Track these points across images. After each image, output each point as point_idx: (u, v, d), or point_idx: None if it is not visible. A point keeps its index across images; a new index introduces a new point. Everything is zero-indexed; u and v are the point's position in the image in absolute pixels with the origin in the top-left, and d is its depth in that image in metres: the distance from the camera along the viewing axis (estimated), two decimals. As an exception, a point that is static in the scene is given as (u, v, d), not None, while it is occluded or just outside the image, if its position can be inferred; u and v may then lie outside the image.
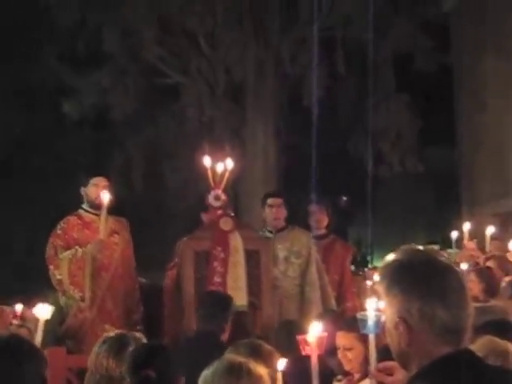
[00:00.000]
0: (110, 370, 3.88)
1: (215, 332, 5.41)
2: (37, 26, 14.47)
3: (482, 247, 8.24)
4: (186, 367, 3.52)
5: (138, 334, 4.19)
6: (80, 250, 6.65)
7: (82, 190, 6.91)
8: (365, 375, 4.22)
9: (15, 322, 6.16)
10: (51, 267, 6.70)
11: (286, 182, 13.91)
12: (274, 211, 7.17)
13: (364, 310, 2.88)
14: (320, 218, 7.74)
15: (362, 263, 20.31)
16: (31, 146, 16.72)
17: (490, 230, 8.11)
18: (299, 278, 7.02)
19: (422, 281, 2.26)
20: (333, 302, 7.14)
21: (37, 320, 4.61)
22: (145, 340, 4.10)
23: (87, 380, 4.01)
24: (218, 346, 4.82)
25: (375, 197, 17.47)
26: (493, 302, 5.75)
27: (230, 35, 13.73)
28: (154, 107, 14.31)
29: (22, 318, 6.20)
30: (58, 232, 6.81)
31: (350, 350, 4.50)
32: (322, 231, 7.73)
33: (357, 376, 4.47)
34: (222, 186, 6.61)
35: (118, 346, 3.95)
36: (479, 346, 3.28)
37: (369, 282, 9.23)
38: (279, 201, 7.26)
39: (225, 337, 5.47)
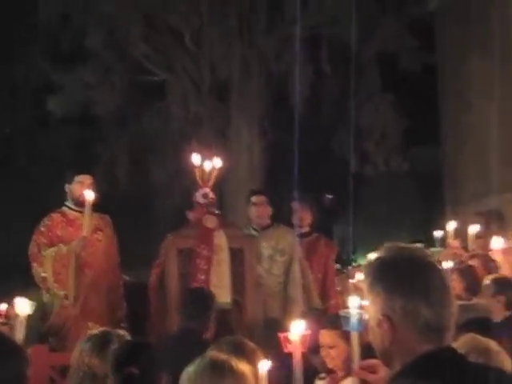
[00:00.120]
0: (94, 368, 3.87)
1: (198, 330, 5.41)
2: (20, 23, 14.41)
3: (465, 246, 8.27)
4: (169, 365, 3.52)
5: (122, 332, 4.18)
6: (64, 247, 6.63)
7: (67, 187, 6.89)
8: (348, 373, 4.23)
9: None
10: (35, 265, 6.67)
11: (270, 180, 13.91)
12: (258, 209, 7.20)
13: (347, 307, 2.88)
14: (303, 216, 7.74)
15: (346, 262, 20.34)
16: (15, 144, 16.65)
17: (474, 228, 8.15)
18: (283, 276, 7.04)
19: (405, 279, 2.27)
20: (316, 301, 7.15)
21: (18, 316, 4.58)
22: (128, 337, 4.09)
23: (70, 377, 4.00)
24: (201, 343, 4.82)
25: (360, 196, 17.48)
26: (475, 301, 5.78)
27: (215, 33, 13.70)
28: (139, 104, 14.28)
29: (7, 316, 6.17)
30: (42, 229, 6.79)
31: (333, 347, 4.51)
32: (306, 229, 7.74)
33: (340, 374, 4.49)
34: (210, 184, 6.61)
35: (101, 343, 3.94)
36: (461, 343, 3.29)
37: (352, 281, 9.24)
38: (263, 199, 7.28)
39: (208, 334, 5.46)
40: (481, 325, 3.94)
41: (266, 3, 13.77)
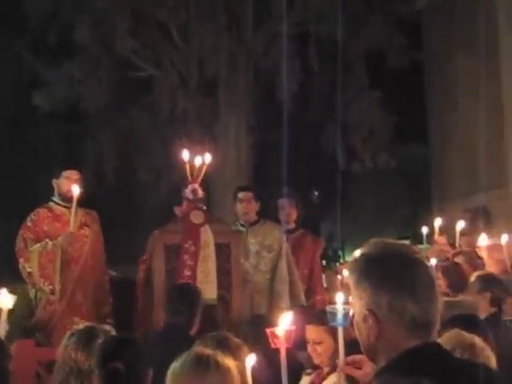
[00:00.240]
0: (79, 363, 3.86)
1: (183, 325, 5.40)
2: (7, 17, 14.34)
3: (452, 243, 8.30)
4: (155, 360, 3.52)
5: (107, 327, 4.18)
6: (50, 242, 6.61)
7: (54, 182, 6.88)
8: (334, 369, 4.22)
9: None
10: (21, 260, 6.65)
11: (258, 177, 13.91)
12: (245, 205, 7.21)
13: (334, 303, 2.89)
14: (289, 212, 7.75)
15: (333, 258, 20.39)
16: (2, 138, 16.58)
17: (460, 225, 8.18)
18: (270, 272, 7.04)
19: (392, 274, 2.26)
20: (302, 297, 7.16)
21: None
22: (114, 333, 4.09)
23: (56, 372, 4.00)
24: (186, 339, 4.82)
25: (347, 192, 17.52)
26: (461, 297, 5.80)
27: (203, 29, 13.68)
28: (127, 100, 14.24)
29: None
30: (28, 224, 6.78)
31: (319, 343, 4.51)
32: (292, 225, 7.75)
33: (326, 369, 4.49)
34: (199, 180, 6.60)
35: (86, 338, 3.94)
36: (446, 339, 3.29)
37: (340, 277, 9.27)
38: (249, 195, 7.28)
39: (193, 330, 5.46)
40: (466, 321, 3.95)
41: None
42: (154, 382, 3.50)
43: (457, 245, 8.16)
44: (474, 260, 7.14)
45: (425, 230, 8.24)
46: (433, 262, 6.49)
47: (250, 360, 3.14)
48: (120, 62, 13.87)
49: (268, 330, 3.13)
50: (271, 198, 8.03)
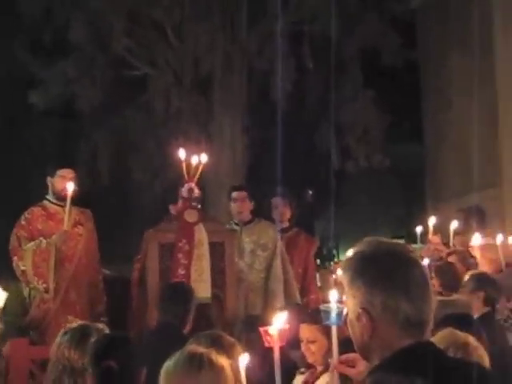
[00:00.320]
0: (72, 361, 3.86)
1: (176, 324, 5.39)
2: (2, 16, 14.31)
3: (446, 242, 8.31)
4: (148, 359, 3.52)
5: (101, 325, 4.18)
6: (44, 241, 6.62)
7: (49, 180, 6.87)
8: (327, 367, 4.21)
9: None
10: (15, 258, 6.66)
11: (252, 176, 13.91)
12: (239, 205, 7.22)
13: (328, 302, 2.89)
14: (283, 211, 7.77)
15: (327, 257, 20.39)
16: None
17: (454, 224, 8.19)
18: (265, 271, 7.05)
19: (386, 273, 2.27)
20: (297, 296, 7.17)
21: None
22: (107, 331, 4.09)
23: (50, 370, 4.00)
24: (179, 338, 4.82)
25: (342, 192, 17.52)
26: (455, 296, 5.81)
27: (197, 27, 13.67)
28: (121, 98, 14.22)
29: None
30: (22, 223, 6.78)
31: (313, 342, 4.52)
32: (285, 224, 7.76)
33: (319, 368, 4.50)
34: (196, 179, 6.61)
35: (79, 336, 3.94)
36: (440, 338, 3.30)
37: (334, 276, 9.28)
38: (243, 194, 7.29)
39: (186, 329, 5.45)
40: (459, 320, 3.96)
41: (248, -2, 13.75)
42: (148, 381, 3.51)
43: (451, 244, 8.18)
44: (467, 259, 7.16)
45: (419, 229, 8.24)
46: (426, 261, 6.50)
47: (244, 359, 3.14)
48: (115, 60, 13.85)
49: (261, 329, 3.13)
50: (265, 197, 8.04)
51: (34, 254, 6.58)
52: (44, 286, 6.55)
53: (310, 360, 4.56)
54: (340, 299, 2.78)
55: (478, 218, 9.20)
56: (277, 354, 2.96)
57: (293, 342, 4.29)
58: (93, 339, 3.82)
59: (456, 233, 8.26)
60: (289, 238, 7.66)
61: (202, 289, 6.31)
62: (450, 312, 4.22)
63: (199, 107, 14.13)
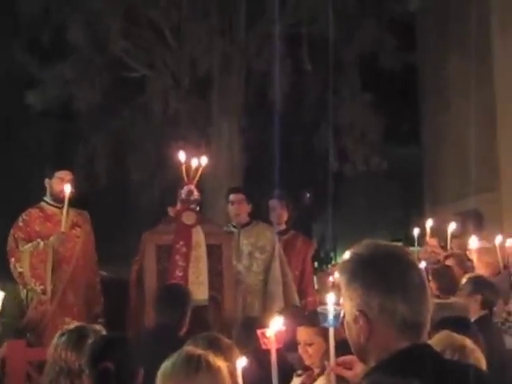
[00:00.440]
0: (69, 363, 3.87)
1: (172, 326, 5.37)
2: (0, 15, 14.31)
3: (443, 245, 8.32)
4: (145, 360, 3.52)
5: (98, 327, 4.19)
6: (42, 242, 6.62)
7: (46, 182, 6.87)
8: (324, 370, 4.23)
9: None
10: (12, 260, 6.66)
11: (250, 178, 13.91)
12: (236, 207, 7.21)
13: (325, 304, 2.89)
14: (280, 214, 7.78)
15: (325, 260, 20.40)
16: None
17: (452, 227, 8.19)
18: (263, 274, 7.05)
19: (383, 276, 2.26)
20: (296, 298, 7.17)
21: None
22: (104, 332, 4.09)
23: (47, 372, 4.00)
24: (175, 340, 4.80)
25: (340, 194, 17.53)
26: (453, 299, 5.82)
27: (195, 29, 13.67)
28: (119, 100, 14.22)
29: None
30: (20, 224, 6.78)
31: (310, 345, 4.52)
32: (283, 227, 7.77)
33: (316, 371, 4.50)
34: (195, 181, 6.61)
35: (76, 338, 3.94)
36: (437, 340, 3.30)
37: (331, 279, 9.27)
38: (240, 196, 7.29)
39: (183, 331, 5.44)
40: (457, 323, 3.96)
41: (246, 0, 13.75)
42: (145, 382, 3.50)
43: (448, 247, 8.18)
44: (465, 263, 7.16)
45: (416, 231, 8.25)
46: (423, 264, 6.51)
47: (241, 361, 3.15)
48: (112, 62, 13.85)
49: (259, 331, 3.13)
50: (263, 199, 8.04)
51: (32, 256, 6.57)
52: (41, 287, 6.55)
53: (308, 362, 4.56)
54: (337, 302, 2.78)
55: (475, 221, 9.22)
56: (274, 356, 2.96)
57: (290, 345, 4.29)
58: (90, 341, 3.83)
59: (453, 236, 8.27)
60: (286, 240, 7.67)
61: (200, 291, 6.31)
62: (447, 315, 4.22)
63: (197, 109, 14.13)
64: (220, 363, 2.85)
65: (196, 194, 6.60)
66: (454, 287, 6.25)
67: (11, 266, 6.66)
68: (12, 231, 6.74)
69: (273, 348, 2.95)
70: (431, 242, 8.05)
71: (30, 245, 6.62)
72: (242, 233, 7.16)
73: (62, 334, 4.02)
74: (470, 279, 5.95)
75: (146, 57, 13.99)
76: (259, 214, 7.68)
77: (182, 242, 6.41)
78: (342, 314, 2.61)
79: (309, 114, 15.06)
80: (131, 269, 6.84)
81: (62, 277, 6.66)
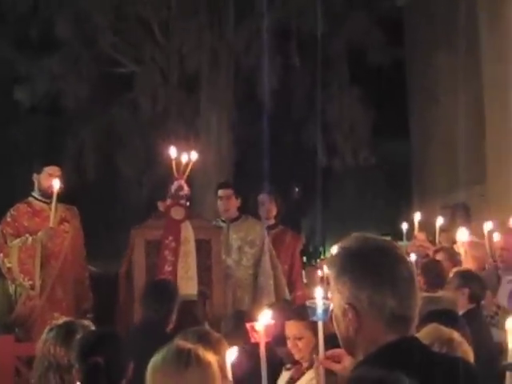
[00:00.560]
0: (58, 357, 3.87)
1: (159, 322, 5.35)
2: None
3: (431, 239, 8.34)
4: (134, 355, 3.52)
5: (86, 322, 4.19)
6: (30, 238, 6.61)
7: (35, 177, 6.85)
8: (313, 363, 4.24)
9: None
10: (1, 255, 6.65)
11: (239, 173, 13.92)
12: (224, 202, 7.23)
13: (314, 298, 2.90)
14: (269, 208, 7.81)
15: (314, 254, 20.44)
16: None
17: (440, 221, 8.21)
18: (253, 268, 7.07)
19: (372, 269, 2.27)
20: (286, 291, 7.21)
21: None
22: (93, 327, 4.09)
23: (35, 367, 4.00)
24: (162, 335, 4.81)
25: (329, 189, 17.56)
26: (441, 293, 5.84)
27: (184, 24, 13.66)
28: (108, 96, 14.19)
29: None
30: (8, 220, 6.77)
31: (300, 339, 4.52)
32: (272, 221, 7.80)
33: (305, 365, 4.50)
34: (185, 176, 6.62)
35: (64, 333, 3.94)
36: (424, 334, 3.31)
37: (320, 273, 9.29)
38: (229, 191, 7.31)
39: (170, 327, 5.42)
40: (444, 316, 3.98)
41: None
42: (134, 376, 3.51)
43: (437, 241, 8.20)
44: (455, 256, 7.18)
45: (404, 226, 8.27)
46: (413, 257, 6.54)
47: (230, 355, 3.15)
48: (101, 57, 13.82)
49: (248, 325, 3.14)
50: (252, 194, 8.06)
51: (20, 251, 6.56)
52: (30, 282, 6.54)
53: (297, 357, 4.56)
54: (326, 296, 2.79)
55: (463, 214, 9.24)
56: (263, 350, 2.97)
57: (279, 339, 4.30)
58: (78, 336, 3.83)
59: (442, 230, 8.29)
60: (275, 234, 7.69)
61: (189, 286, 6.32)
62: (434, 308, 4.24)
63: (186, 105, 14.12)
64: (210, 357, 2.86)
65: (186, 189, 6.61)
66: (441, 281, 6.27)
67: (0, 261, 6.64)
68: (0, 227, 6.72)
69: (262, 341, 2.96)
70: (419, 236, 8.07)
71: (18, 240, 6.61)
72: (232, 227, 7.18)
73: (51, 329, 4.02)
74: (457, 273, 5.97)
75: (135, 52, 13.97)
76: (248, 209, 7.70)
77: (170, 237, 6.42)
78: (330, 308, 2.62)
79: (297, 109, 15.06)
80: (120, 264, 6.84)
81: (50, 272, 6.65)
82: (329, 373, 2.84)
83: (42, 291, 6.57)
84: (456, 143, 12.49)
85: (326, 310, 2.80)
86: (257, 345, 3.01)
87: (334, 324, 2.37)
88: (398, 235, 8.71)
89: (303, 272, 8.97)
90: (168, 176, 6.76)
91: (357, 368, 2.27)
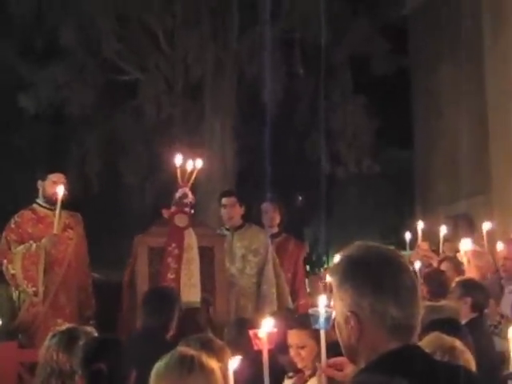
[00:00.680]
0: (60, 364, 3.88)
1: (159, 329, 5.33)
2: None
3: (434, 249, 8.33)
4: (136, 362, 3.52)
5: (89, 328, 4.20)
6: (34, 244, 6.61)
7: (39, 184, 6.87)
8: (315, 371, 4.23)
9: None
10: (4, 261, 6.66)
11: (243, 181, 13.94)
12: (228, 210, 7.24)
13: (317, 307, 2.90)
14: (273, 217, 7.81)
15: (317, 263, 20.43)
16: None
17: (443, 230, 8.21)
18: (256, 276, 7.07)
19: (375, 277, 2.27)
20: (289, 300, 7.21)
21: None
22: (96, 334, 4.10)
23: (38, 373, 4.01)
24: (162, 343, 4.80)
25: (332, 198, 17.56)
26: (443, 302, 5.84)
27: (189, 33, 13.70)
28: (112, 103, 14.23)
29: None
30: (12, 226, 6.78)
31: (302, 347, 4.51)
32: (275, 229, 7.80)
33: (308, 373, 4.50)
34: (190, 184, 6.63)
35: (67, 339, 3.95)
36: (427, 342, 3.31)
37: (323, 282, 9.28)
38: (232, 200, 7.31)
39: (170, 334, 5.40)
40: (447, 325, 3.98)
41: (239, 5, 13.78)
42: (136, 383, 3.51)
43: (440, 251, 8.20)
44: (460, 266, 7.17)
45: (408, 235, 8.26)
46: (417, 265, 6.54)
47: (233, 362, 3.16)
48: (105, 65, 13.86)
49: (251, 332, 3.15)
50: (255, 203, 8.07)
51: (24, 258, 6.57)
52: (33, 289, 6.55)
53: (300, 366, 4.55)
54: (329, 304, 2.80)
55: (466, 224, 9.23)
56: (265, 357, 2.97)
57: (281, 347, 4.30)
58: (81, 342, 3.84)
59: (445, 239, 8.29)
60: (278, 243, 7.69)
61: (192, 293, 6.32)
62: (437, 317, 4.24)
63: (190, 112, 14.15)
64: (213, 364, 2.87)
65: (190, 196, 6.62)
66: (444, 290, 6.26)
67: (3, 267, 6.66)
68: (4, 233, 6.74)
69: (265, 349, 2.97)
70: (423, 245, 8.06)
71: (22, 246, 6.62)
72: (236, 235, 7.18)
73: (54, 336, 4.03)
74: (459, 282, 5.97)
75: (139, 60, 14.01)
76: (251, 217, 7.71)
77: (174, 244, 6.43)
78: (332, 316, 2.62)
79: (301, 117, 15.09)
80: (123, 271, 6.85)
81: (54, 279, 6.66)
82: (331, 381, 2.85)
83: (46, 298, 6.57)
84: (459, 152, 12.50)
85: (328, 318, 2.81)
86: (259, 352, 3.02)
87: (337, 332, 2.38)
88: (401, 244, 8.70)
89: (306, 280, 8.97)
90: (171, 183, 6.78)
91: (358, 376, 2.27)
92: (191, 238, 6.50)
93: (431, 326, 3.74)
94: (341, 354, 2.48)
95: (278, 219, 7.85)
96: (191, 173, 6.60)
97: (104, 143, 14.57)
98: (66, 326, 4.34)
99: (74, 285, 6.82)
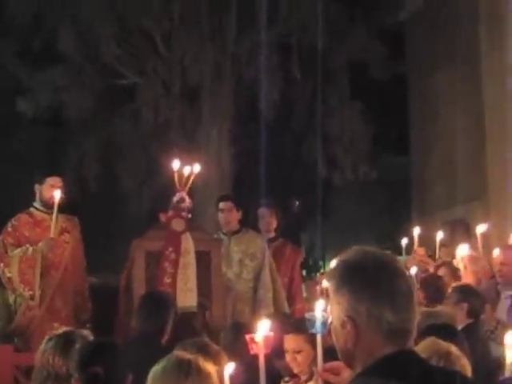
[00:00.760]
0: (56, 367, 3.88)
1: (154, 333, 5.32)
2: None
3: (431, 254, 8.34)
4: (132, 366, 3.53)
5: (85, 332, 4.20)
6: (31, 248, 6.61)
7: (37, 188, 6.87)
8: (312, 376, 4.25)
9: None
10: (1, 265, 6.66)
11: (240, 186, 13.93)
12: (225, 215, 7.25)
13: (313, 311, 2.91)
14: (269, 221, 7.82)
15: (314, 268, 20.43)
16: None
17: (440, 236, 8.22)
18: (253, 281, 7.07)
19: (371, 282, 2.27)
20: (285, 305, 7.21)
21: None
22: (92, 338, 4.10)
23: (34, 377, 4.01)
24: (158, 347, 4.79)
25: (329, 203, 17.56)
26: (440, 308, 5.84)
27: (186, 37, 13.71)
28: (110, 107, 14.22)
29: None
30: (9, 230, 6.77)
31: (299, 352, 4.51)
32: (272, 234, 7.80)
33: (303, 377, 4.50)
34: (187, 188, 6.64)
35: (63, 343, 3.95)
36: (423, 347, 3.31)
37: (319, 287, 9.28)
38: (229, 204, 7.32)
39: (165, 339, 5.39)
40: (443, 330, 3.99)
41: (237, 9, 13.80)
42: (134, 387, 3.52)
43: (437, 256, 8.20)
44: (457, 272, 7.19)
45: (404, 241, 8.27)
46: (413, 270, 6.55)
47: (229, 366, 3.16)
48: (103, 69, 13.87)
49: (247, 336, 3.15)
50: (252, 207, 8.08)
51: (21, 261, 6.57)
52: (30, 293, 6.55)
53: (296, 370, 4.54)
54: (325, 309, 2.80)
55: (463, 230, 9.25)
56: (262, 361, 2.98)
57: (277, 352, 4.30)
58: (77, 346, 3.84)
59: (442, 245, 8.30)
60: (275, 247, 7.69)
61: (188, 297, 6.32)
62: (433, 322, 4.25)
63: (187, 116, 14.16)
64: (210, 368, 2.87)
65: (188, 201, 6.63)
66: (440, 296, 6.27)
67: (0, 271, 6.65)
68: (1, 237, 6.74)
69: (261, 353, 2.97)
70: (419, 250, 8.07)
71: (19, 250, 6.62)
72: (233, 240, 7.19)
73: (50, 339, 4.03)
74: (456, 288, 5.98)
75: (137, 64, 14.02)
76: (248, 222, 7.71)
77: (171, 249, 6.43)
78: (329, 321, 2.63)
79: (298, 122, 15.10)
80: (120, 275, 6.85)
81: (50, 282, 6.65)
82: (327, 385, 2.85)
83: (42, 301, 6.57)
84: (456, 158, 12.52)
85: (324, 323, 2.81)
86: (256, 357, 3.02)
87: (333, 336, 2.38)
88: (398, 249, 8.70)
89: (303, 285, 8.97)
90: (169, 187, 6.78)
91: (354, 380, 2.28)
92: (188, 243, 6.50)
93: (427, 332, 3.75)
94: (337, 359, 2.48)
95: (274, 224, 7.86)
96: (188, 177, 6.61)
97: (102, 147, 14.57)
98: (62, 329, 4.34)
99: (70, 288, 6.81)
